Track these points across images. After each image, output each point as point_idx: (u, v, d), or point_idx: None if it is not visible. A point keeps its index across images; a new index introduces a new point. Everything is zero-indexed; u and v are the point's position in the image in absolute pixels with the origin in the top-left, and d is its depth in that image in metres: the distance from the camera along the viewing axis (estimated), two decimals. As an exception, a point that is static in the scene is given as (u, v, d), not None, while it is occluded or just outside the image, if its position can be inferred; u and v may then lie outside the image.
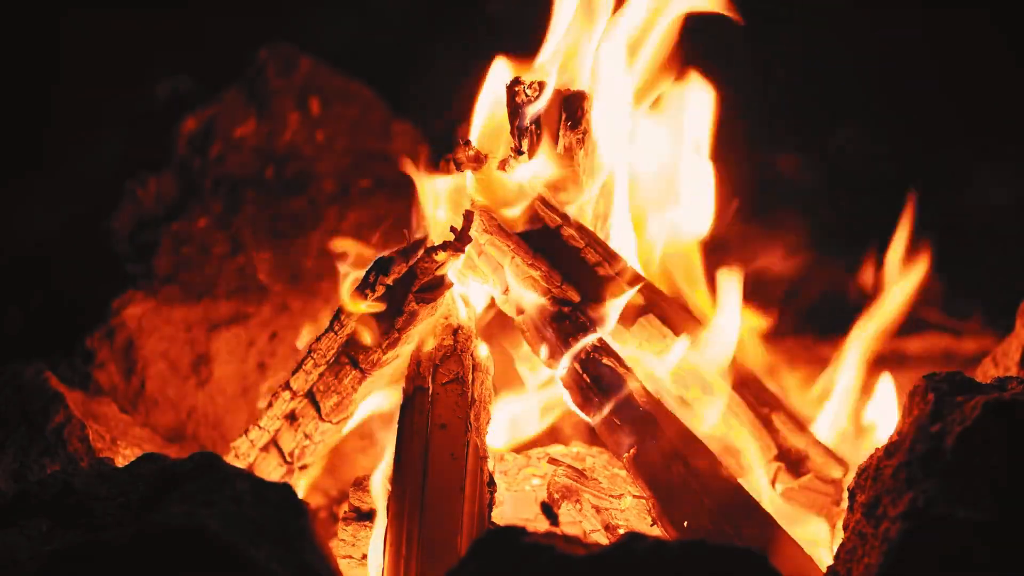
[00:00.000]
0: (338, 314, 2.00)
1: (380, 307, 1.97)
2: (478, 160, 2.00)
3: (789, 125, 3.16)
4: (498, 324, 2.16)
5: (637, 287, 2.02)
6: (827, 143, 3.22)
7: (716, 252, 2.29)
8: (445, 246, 1.94)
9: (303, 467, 2.10)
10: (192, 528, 1.36)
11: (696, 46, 2.20)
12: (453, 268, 1.98)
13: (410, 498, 1.73)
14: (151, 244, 2.79)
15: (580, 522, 1.89)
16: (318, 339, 2.01)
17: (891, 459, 1.58)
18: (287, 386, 2.02)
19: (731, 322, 2.07)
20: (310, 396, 2.01)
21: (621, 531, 1.86)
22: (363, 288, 1.97)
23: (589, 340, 1.93)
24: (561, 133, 2.03)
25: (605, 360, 1.91)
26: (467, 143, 2.00)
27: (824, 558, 1.83)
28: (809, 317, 2.88)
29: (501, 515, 1.99)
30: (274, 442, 2.04)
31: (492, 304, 2.11)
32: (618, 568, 1.34)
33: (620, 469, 1.94)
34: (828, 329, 2.61)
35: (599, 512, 1.89)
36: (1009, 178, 3.18)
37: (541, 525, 1.93)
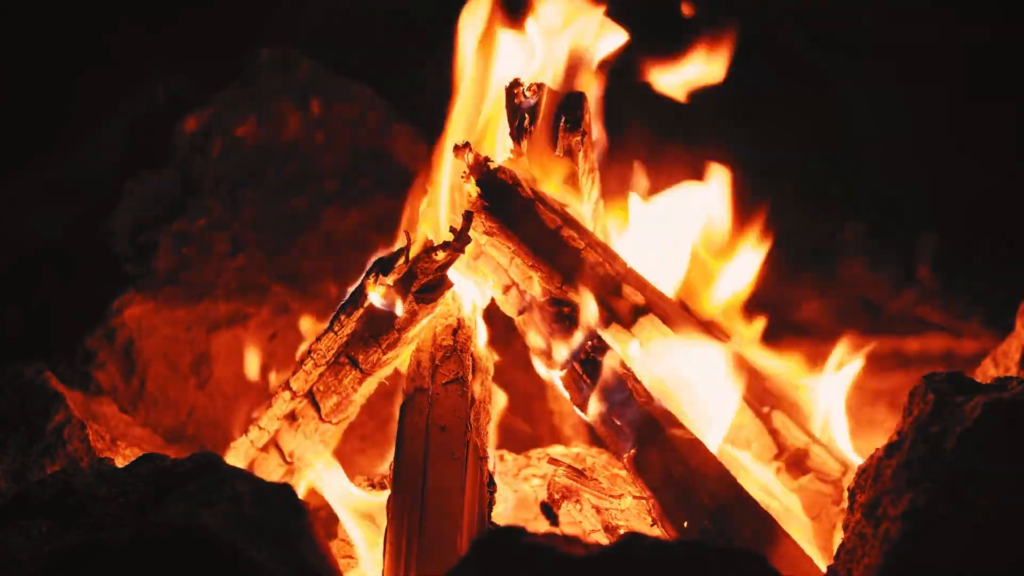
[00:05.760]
0: (338, 314, 1.99)
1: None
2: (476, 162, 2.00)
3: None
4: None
5: (637, 287, 2.02)
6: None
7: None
8: (444, 246, 1.94)
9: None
10: (192, 528, 1.36)
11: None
12: (453, 268, 1.98)
13: (410, 498, 1.73)
14: (151, 244, 2.79)
15: (580, 522, 1.89)
16: (318, 339, 2.01)
17: (891, 459, 1.57)
18: (287, 386, 2.02)
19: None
20: (310, 396, 2.00)
21: (621, 531, 1.86)
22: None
23: (589, 340, 1.93)
24: (560, 135, 2.02)
25: (605, 360, 1.91)
26: (466, 145, 2.00)
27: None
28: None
29: (501, 515, 1.99)
30: (274, 442, 2.04)
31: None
32: (618, 568, 1.34)
33: (620, 469, 1.93)
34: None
35: (599, 512, 1.89)
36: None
37: (541, 525, 1.93)
